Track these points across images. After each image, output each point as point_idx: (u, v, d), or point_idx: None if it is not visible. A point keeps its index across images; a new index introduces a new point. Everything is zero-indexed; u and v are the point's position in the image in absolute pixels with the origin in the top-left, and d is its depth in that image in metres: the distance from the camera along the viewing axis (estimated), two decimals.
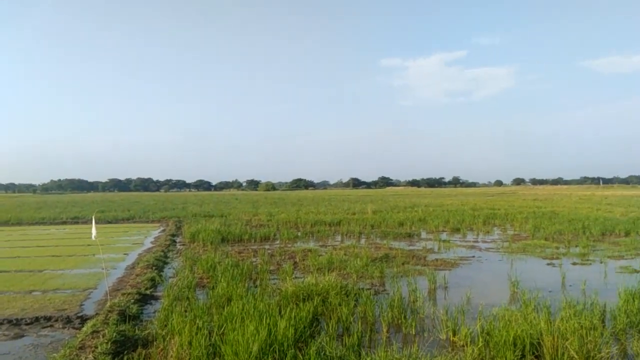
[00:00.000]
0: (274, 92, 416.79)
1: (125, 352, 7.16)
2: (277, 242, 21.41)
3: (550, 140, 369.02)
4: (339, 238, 22.58)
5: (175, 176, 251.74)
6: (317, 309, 8.96)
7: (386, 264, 14.66)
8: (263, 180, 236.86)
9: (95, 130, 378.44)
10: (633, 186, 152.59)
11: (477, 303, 9.74)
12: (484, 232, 24.57)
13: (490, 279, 12.91)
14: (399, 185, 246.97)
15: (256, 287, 11.29)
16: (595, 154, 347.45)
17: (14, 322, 9.03)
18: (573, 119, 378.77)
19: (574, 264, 15.07)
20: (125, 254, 18.12)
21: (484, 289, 11.64)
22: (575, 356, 6.49)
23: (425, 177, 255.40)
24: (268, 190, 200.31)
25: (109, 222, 33.71)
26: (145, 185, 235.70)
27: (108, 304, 9.84)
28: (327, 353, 6.68)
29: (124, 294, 10.77)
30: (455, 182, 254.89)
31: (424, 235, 23.49)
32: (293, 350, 6.71)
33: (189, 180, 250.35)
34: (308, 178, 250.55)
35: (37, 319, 9.18)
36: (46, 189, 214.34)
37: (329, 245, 19.58)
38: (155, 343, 7.43)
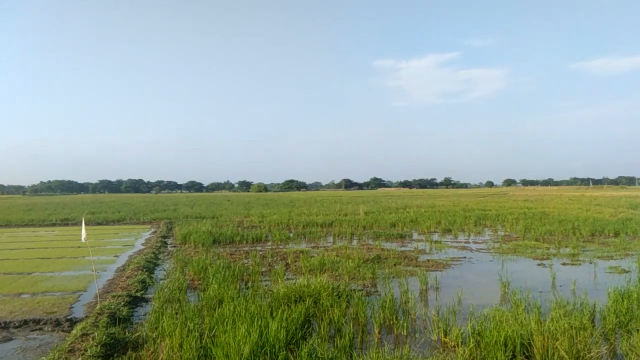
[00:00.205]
0: (267, 93, 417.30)
1: (115, 355, 7.11)
2: (269, 243, 21.36)
3: (541, 142, 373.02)
4: (331, 239, 22.58)
5: (166, 177, 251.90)
6: (309, 311, 8.95)
7: (378, 265, 14.67)
8: (255, 182, 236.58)
9: (86, 131, 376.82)
10: (622, 187, 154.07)
11: (468, 304, 9.78)
12: (475, 233, 24.68)
13: (481, 280, 12.97)
14: (391, 186, 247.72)
15: (248, 288, 11.24)
16: (585, 155, 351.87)
17: (2, 325, 8.93)
18: (564, 121, 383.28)
19: (564, 264, 15.19)
20: (115, 256, 17.98)
21: (475, 290, 11.69)
22: (566, 356, 6.53)
23: (417, 178, 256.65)
24: (260, 191, 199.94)
25: (99, 224, 33.45)
26: (136, 186, 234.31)
27: (98, 306, 9.75)
28: (319, 355, 6.67)
29: (114, 296, 10.69)
30: (447, 183, 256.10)
31: (415, 236, 23.56)
32: (284, 352, 6.69)
33: (181, 181, 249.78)
34: (300, 179, 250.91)
35: (25, 322, 9.08)
36: (35, 190, 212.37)
37: (321, 247, 19.57)
38: (145, 346, 7.38)
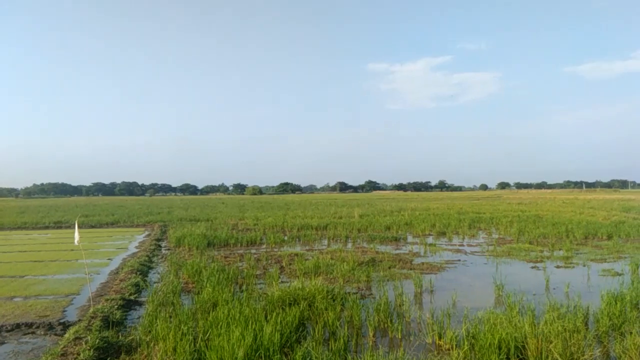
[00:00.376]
0: (261, 97, 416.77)
1: (108, 358, 7.07)
2: (264, 246, 21.32)
3: (534, 145, 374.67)
4: (325, 242, 22.57)
5: (160, 180, 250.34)
6: (304, 314, 8.93)
7: (373, 268, 14.68)
8: (250, 184, 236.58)
9: (79, 133, 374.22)
10: (615, 190, 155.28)
11: (463, 306, 9.80)
12: (470, 236, 24.75)
13: (475, 283, 13.00)
14: (385, 189, 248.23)
15: (242, 291, 11.22)
16: (578, 159, 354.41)
17: None
18: (557, 124, 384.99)
19: (558, 267, 15.25)
20: (109, 259, 17.88)
21: (469, 293, 11.71)
22: (559, 359, 6.55)
23: (411, 181, 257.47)
24: (255, 194, 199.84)
25: (93, 227, 33.27)
26: (130, 189, 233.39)
27: (91, 310, 9.69)
28: (313, 358, 6.65)
29: (108, 299, 10.62)
30: (442, 186, 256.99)
31: (410, 239, 23.59)
32: (279, 356, 6.68)
33: (175, 184, 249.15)
34: (295, 182, 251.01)
35: (18, 326, 9.00)
36: (28, 193, 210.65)
37: (315, 250, 19.55)
38: (139, 349, 7.34)
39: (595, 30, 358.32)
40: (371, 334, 8.36)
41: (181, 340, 7.03)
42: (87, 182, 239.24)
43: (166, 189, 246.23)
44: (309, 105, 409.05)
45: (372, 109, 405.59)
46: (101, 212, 48.15)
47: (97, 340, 7.47)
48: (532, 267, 15.23)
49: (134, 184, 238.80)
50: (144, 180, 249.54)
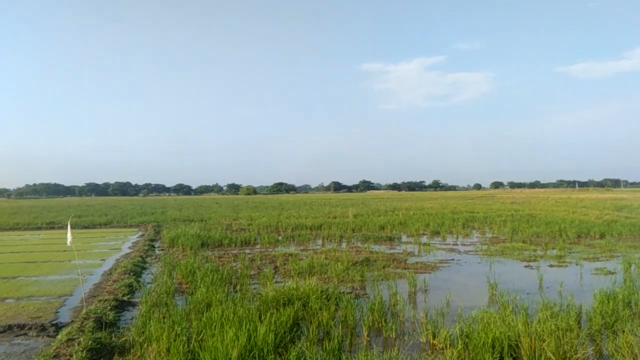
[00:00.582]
0: (256, 96, 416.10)
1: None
2: (258, 246, 21.28)
3: (528, 145, 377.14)
4: (320, 242, 22.56)
5: (154, 180, 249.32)
6: (298, 314, 8.92)
7: (367, 267, 14.69)
8: (244, 185, 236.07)
9: (72, 133, 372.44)
10: (607, 189, 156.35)
11: (457, 305, 9.83)
12: (464, 235, 24.83)
13: (469, 282, 13.04)
14: (380, 189, 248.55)
15: (236, 292, 11.19)
16: (571, 158, 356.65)
17: None
18: (550, 124, 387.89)
19: (551, 266, 15.33)
20: (102, 259, 17.78)
21: (463, 292, 11.75)
22: (552, 357, 6.59)
23: (406, 181, 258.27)
24: (249, 194, 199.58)
25: (86, 227, 33.09)
26: (124, 189, 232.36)
27: (84, 311, 9.63)
28: (308, 358, 6.64)
29: (101, 300, 10.56)
30: (436, 186, 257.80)
31: (404, 238, 23.63)
32: (273, 356, 6.67)
33: (169, 184, 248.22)
34: (289, 182, 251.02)
35: (10, 327, 8.93)
36: (21, 193, 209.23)
37: (310, 249, 19.54)
38: (132, 350, 7.30)
39: (588, 31, 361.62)
40: (365, 334, 8.36)
41: (175, 340, 7.00)
42: (80, 182, 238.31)
43: (160, 189, 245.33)
44: (303, 106, 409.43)
45: (366, 109, 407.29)
46: (94, 212, 47.89)
47: (90, 342, 7.42)
48: (526, 266, 15.30)
49: (128, 184, 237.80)
50: (138, 180, 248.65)
